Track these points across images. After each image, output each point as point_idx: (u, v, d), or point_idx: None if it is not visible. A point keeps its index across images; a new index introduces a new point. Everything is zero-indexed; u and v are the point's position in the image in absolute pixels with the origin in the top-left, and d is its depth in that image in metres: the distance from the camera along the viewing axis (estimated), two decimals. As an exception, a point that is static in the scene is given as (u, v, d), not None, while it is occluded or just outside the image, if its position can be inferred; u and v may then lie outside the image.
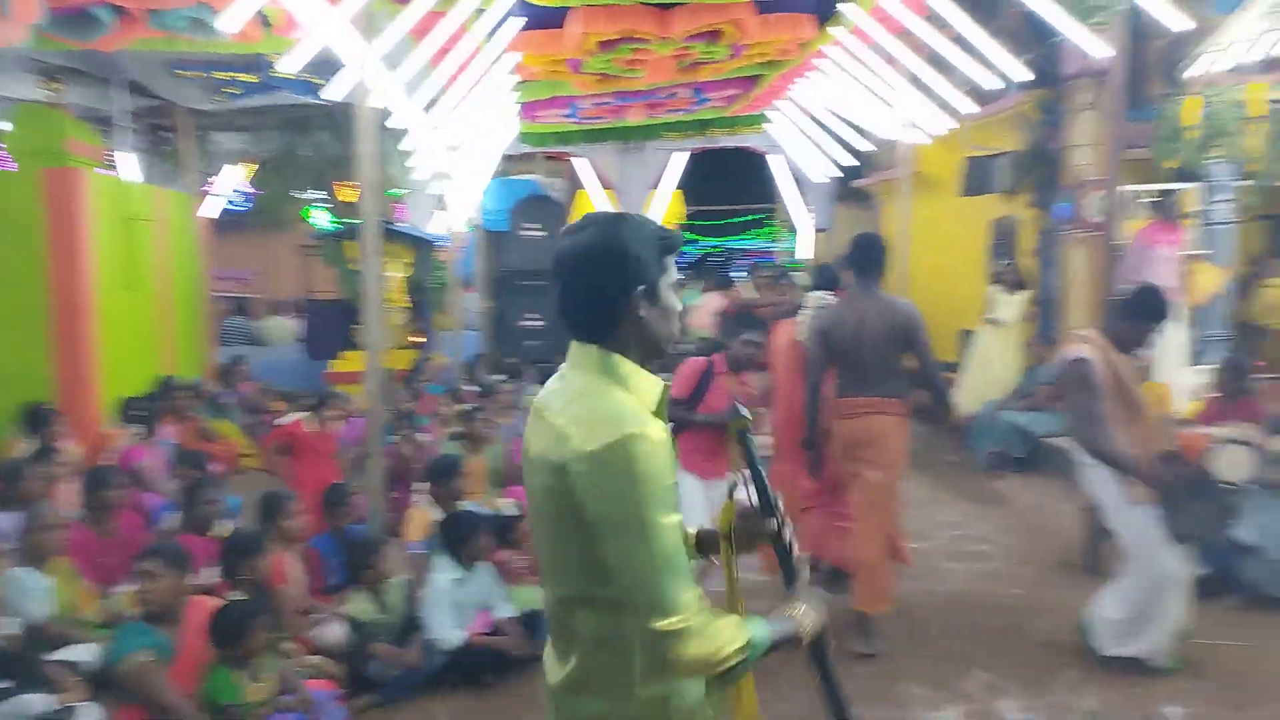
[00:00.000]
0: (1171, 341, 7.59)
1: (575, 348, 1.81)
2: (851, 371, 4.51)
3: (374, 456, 5.02)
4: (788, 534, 1.97)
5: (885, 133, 10.57)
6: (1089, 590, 5.10)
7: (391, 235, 9.52)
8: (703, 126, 12.61)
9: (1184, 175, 8.54)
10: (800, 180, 14.31)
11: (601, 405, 1.70)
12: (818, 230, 15.02)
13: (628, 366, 1.77)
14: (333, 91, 5.71)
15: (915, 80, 9.46)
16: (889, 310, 4.47)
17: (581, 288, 1.77)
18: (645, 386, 1.78)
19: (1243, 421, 5.53)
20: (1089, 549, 5.48)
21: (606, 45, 7.91)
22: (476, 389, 8.64)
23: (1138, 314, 4.23)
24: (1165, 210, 7.85)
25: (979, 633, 4.73)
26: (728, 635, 1.69)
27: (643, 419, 1.69)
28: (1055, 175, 8.89)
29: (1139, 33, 6.82)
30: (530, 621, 4.47)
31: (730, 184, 18.30)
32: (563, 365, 1.84)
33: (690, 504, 4.04)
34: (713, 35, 8.04)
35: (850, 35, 8.20)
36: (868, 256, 4.59)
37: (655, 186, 14.54)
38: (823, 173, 12.88)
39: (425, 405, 8.13)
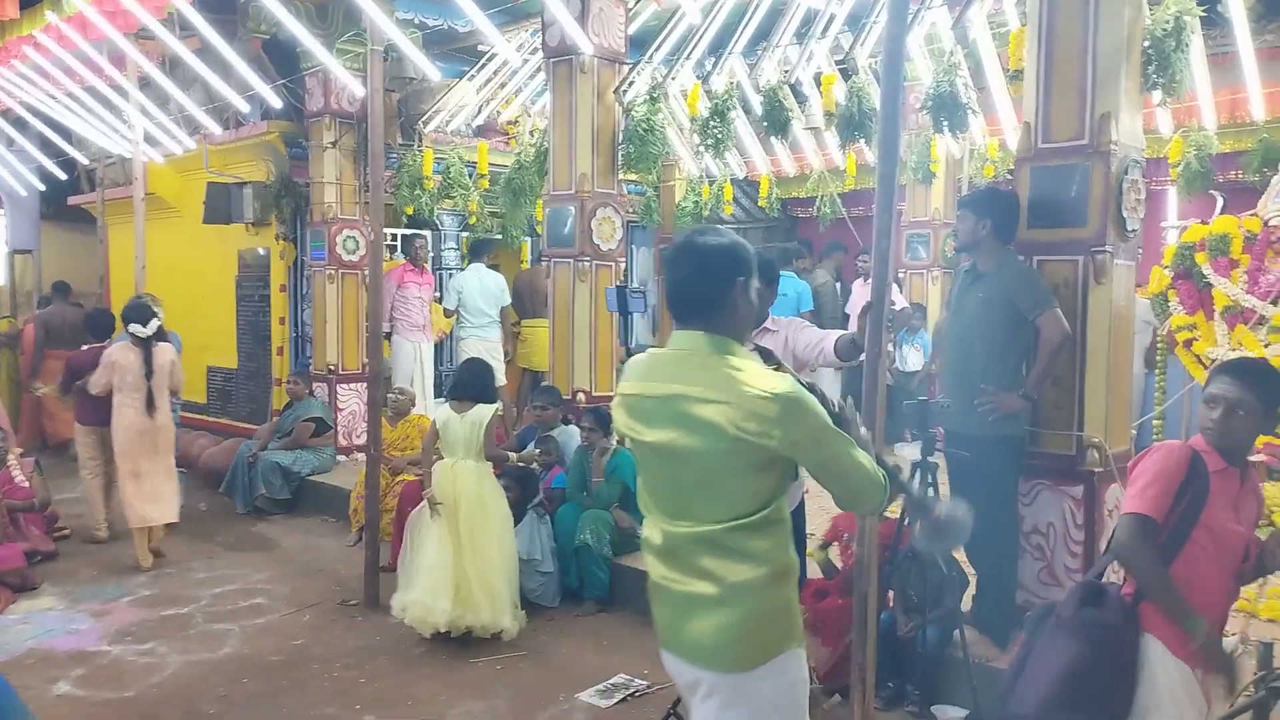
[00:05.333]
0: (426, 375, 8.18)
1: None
2: None
3: None
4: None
5: (109, 146, 9.31)
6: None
7: None
8: None
9: (417, 222, 9.29)
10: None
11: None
12: (17, 251, 12.59)
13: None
14: None
15: (149, 89, 8.53)
16: None
17: None
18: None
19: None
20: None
21: None
22: None
23: None
24: (411, 253, 8.40)
25: (264, 698, 4.28)
26: None
27: None
28: (303, 210, 8.85)
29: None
30: None
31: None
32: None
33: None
34: None
35: (67, 25, 6.99)
36: None
37: None
38: (26, 186, 10.92)
39: None
